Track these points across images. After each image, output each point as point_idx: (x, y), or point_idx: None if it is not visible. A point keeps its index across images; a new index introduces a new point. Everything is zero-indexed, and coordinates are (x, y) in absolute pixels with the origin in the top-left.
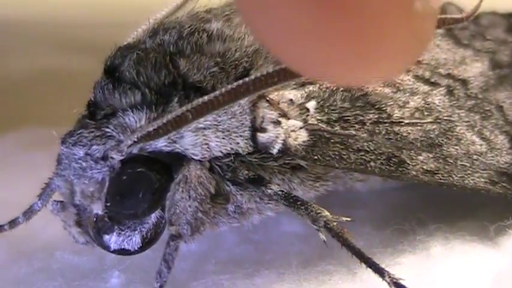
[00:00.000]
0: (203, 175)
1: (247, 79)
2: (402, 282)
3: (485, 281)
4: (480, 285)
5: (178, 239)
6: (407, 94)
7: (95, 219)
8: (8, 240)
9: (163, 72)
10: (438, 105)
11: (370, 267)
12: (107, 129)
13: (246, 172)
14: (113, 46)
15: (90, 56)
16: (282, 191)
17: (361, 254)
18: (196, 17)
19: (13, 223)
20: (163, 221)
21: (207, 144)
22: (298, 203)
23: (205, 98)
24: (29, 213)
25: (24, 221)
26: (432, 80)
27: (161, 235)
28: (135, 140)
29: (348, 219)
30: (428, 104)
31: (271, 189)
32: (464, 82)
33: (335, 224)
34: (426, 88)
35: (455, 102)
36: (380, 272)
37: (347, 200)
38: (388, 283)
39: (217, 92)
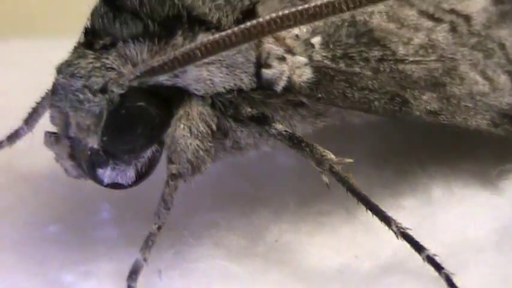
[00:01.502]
0: (205, 111)
1: (261, 19)
2: (409, 232)
3: (489, 231)
4: (484, 237)
5: (178, 179)
6: (412, 30)
7: (89, 152)
8: None
9: (167, 3)
10: (442, 43)
11: (376, 215)
12: (107, 61)
13: (249, 109)
14: None
15: None
16: (287, 131)
17: (366, 201)
18: None
19: None
20: (158, 155)
21: (210, 79)
22: (303, 144)
23: (217, 36)
24: (13, 137)
25: (8, 145)
26: (436, 16)
27: (155, 169)
28: (138, 74)
29: (351, 160)
30: (432, 41)
31: (275, 129)
32: (467, 18)
33: (340, 167)
34: (430, 24)
35: (458, 39)
36: (386, 220)
37: (343, 133)
38: (395, 232)
39: (229, 31)
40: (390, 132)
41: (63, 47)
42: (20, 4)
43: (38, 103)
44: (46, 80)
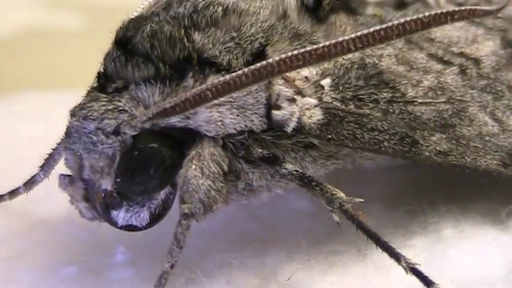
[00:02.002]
0: (216, 152)
1: (271, 60)
2: (418, 267)
3: (499, 268)
4: (493, 272)
5: (190, 218)
6: (421, 73)
7: (103, 194)
8: (8, 211)
9: (177, 46)
10: (451, 85)
11: (386, 251)
12: (119, 103)
13: (260, 150)
14: (125, 18)
15: (78, 14)
16: (297, 170)
17: (376, 238)
18: None
19: (13, 193)
20: (172, 197)
21: (221, 121)
22: (313, 183)
23: (227, 77)
24: (30, 183)
25: (25, 191)
26: (445, 59)
27: (169, 211)
28: (150, 116)
29: (361, 200)
30: (441, 84)
31: (285, 168)
32: (476, 61)
33: (350, 206)
34: (439, 67)
35: (467, 81)
36: (396, 256)
37: (355, 177)
38: (404, 268)
39: (239, 72)
40: (401, 175)
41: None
42: (40, 58)
43: (53, 149)
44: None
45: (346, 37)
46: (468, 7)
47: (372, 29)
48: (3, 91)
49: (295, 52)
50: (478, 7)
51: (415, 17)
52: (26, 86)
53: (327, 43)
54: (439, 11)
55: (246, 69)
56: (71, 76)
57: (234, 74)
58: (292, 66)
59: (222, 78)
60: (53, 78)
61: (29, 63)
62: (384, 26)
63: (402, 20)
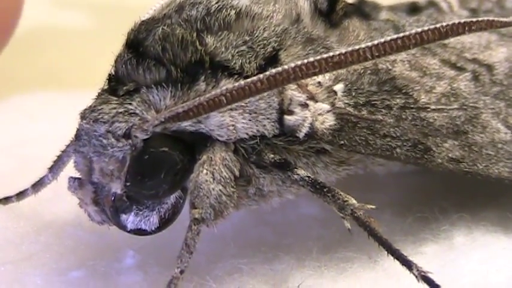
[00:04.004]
0: (228, 157)
1: (286, 67)
2: (430, 275)
3: (511, 277)
4: (505, 281)
5: (200, 223)
6: (434, 79)
7: (112, 198)
8: (16, 213)
9: (189, 49)
10: (464, 91)
11: (398, 259)
12: (130, 106)
13: (272, 156)
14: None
15: (87, 13)
16: (309, 176)
17: (388, 245)
18: None
19: (21, 195)
20: (182, 201)
21: (233, 125)
22: (325, 189)
23: (242, 83)
24: (38, 185)
25: (33, 193)
26: (458, 65)
27: (179, 215)
28: (162, 120)
29: (373, 206)
30: (454, 90)
31: (297, 174)
32: (489, 67)
33: (362, 212)
34: (452, 73)
35: (480, 88)
36: (408, 264)
37: (365, 183)
38: (416, 276)
39: (254, 78)
40: (412, 182)
41: (89, 100)
42: (48, 58)
43: (62, 151)
44: (73, 131)
45: (363, 45)
46: (486, 18)
47: (389, 38)
48: (12, 91)
49: (311, 59)
50: (496, 18)
51: (432, 26)
52: (34, 86)
53: (343, 51)
54: (456, 21)
55: (261, 75)
56: (80, 76)
57: (249, 79)
58: (308, 73)
59: (236, 84)
60: (62, 78)
61: (38, 63)
62: (401, 35)
63: (419, 30)
